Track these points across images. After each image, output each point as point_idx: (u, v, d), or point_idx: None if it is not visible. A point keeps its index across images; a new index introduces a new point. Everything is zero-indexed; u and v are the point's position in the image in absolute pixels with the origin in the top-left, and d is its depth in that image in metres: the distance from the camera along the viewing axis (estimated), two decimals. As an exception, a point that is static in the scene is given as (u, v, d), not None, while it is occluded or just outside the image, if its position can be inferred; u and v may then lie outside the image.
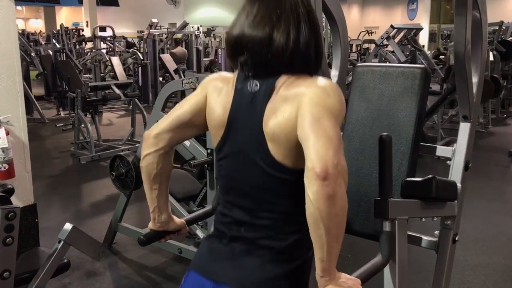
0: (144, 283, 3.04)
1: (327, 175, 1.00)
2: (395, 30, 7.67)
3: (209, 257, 1.26)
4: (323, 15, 1.84)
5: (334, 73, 1.94)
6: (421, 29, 8.67)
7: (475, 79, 1.68)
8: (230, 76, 1.29)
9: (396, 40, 8.14)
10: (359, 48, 15.78)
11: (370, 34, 16.47)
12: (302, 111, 1.11)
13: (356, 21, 24.34)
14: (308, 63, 1.20)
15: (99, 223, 3.91)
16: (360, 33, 16.80)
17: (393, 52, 7.71)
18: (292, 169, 1.15)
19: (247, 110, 1.20)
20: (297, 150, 1.11)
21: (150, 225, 1.43)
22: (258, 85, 1.20)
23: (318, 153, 1.02)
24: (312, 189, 1.01)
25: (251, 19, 1.19)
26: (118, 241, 3.51)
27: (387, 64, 1.91)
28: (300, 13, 1.19)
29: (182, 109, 1.31)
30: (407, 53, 8.18)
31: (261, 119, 1.17)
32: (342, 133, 1.96)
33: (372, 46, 10.49)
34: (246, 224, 1.22)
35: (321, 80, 1.17)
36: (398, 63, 6.78)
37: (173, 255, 3.25)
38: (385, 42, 7.49)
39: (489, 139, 7.33)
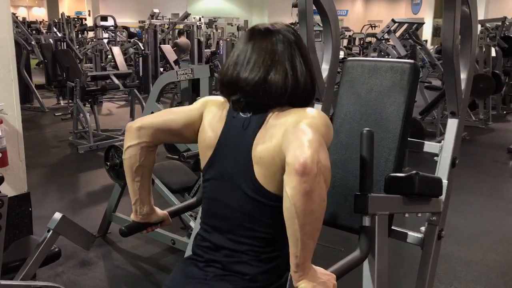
0: (137, 273, 3.05)
1: (305, 170, 1.00)
2: (396, 24, 7.63)
3: (182, 280, 1.28)
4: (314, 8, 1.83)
5: (325, 67, 1.94)
6: (422, 23, 8.62)
7: (463, 75, 1.67)
8: (225, 102, 1.32)
9: (398, 34, 8.11)
10: (361, 41, 15.73)
11: (373, 28, 16.40)
12: (286, 129, 1.14)
13: (360, 14, 24.23)
14: (308, 97, 1.25)
15: (94, 212, 3.93)
16: (363, 26, 16.74)
17: (394, 46, 7.68)
18: (275, 194, 1.17)
19: (238, 135, 1.23)
20: (281, 175, 1.10)
21: (132, 216, 1.44)
22: (251, 112, 1.24)
23: (298, 149, 1.03)
24: (290, 184, 1.01)
25: (246, 60, 1.22)
26: (113, 231, 3.52)
27: (377, 58, 1.90)
28: (292, 50, 1.22)
29: (176, 116, 1.34)
30: (409, 47, 8.14)
31: (251, 144, 1.20)
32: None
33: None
34: (223, 248, 1.24)
35: (309, 109, 1.20)
36: (398, 57, 6.76)
37: (166, 246, 3.26)
38: (386, 36, 7.45)
39: (489, 135, 7.32)
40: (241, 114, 1.25)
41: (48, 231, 1.96)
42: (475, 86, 7.37)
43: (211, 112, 1.32)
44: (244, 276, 1.19)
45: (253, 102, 1.22)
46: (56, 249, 2.15)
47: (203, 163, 1.31)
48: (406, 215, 1.52)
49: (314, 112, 1.19)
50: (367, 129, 1.25)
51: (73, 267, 3.03)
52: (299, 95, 1.22)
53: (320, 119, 1.16)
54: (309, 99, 1.26)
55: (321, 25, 1.87)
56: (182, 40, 10.83)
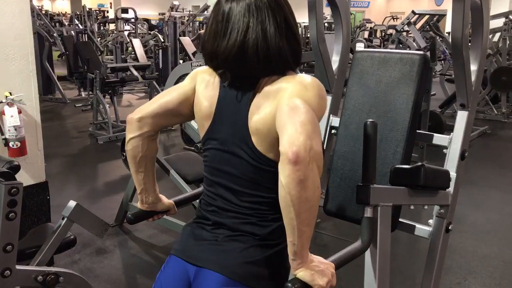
0: (152, 261, 3.10)
1: (298, 159, 1.00)
2: (417, 15, 7.52)
3: (192, 242, 1.27)
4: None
5: (335, 58, 1.93)
6: (444, 15, 8.45)
7: (474, 67, 1.64)
8: None
9: (418, 26, 7.99)
10: (383, 33, 15.53)
11: (395, 19, 16.17)
12: (280, 104, 1.13)
13: (382, 6, 23.93)
14: (285, 63, 1.21)
15: (111, 202, 4.00)
16: (385, 18, 16.52)
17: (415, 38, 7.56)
18: (276, 161, 1.16)
19: (233, 104, 1.23)
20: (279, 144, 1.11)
21: (139, 205, 1.46)
22: (241, 83, 1.22)
23: (291, 138, 1.03)
24: (284, 173, 1.02)
25: (222, 31, 1.19)
26: (129, 220, 3.58)
27: (387, 50, 1.88)
28: (264, 14, 1.18)
29: (170, 96, 1.33)
30: (429, 39, 8.01)
31: (246, 114, 1.20)
32: (332, 122, 1.95)
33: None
34: (229, 211, 1.24)
35: (302, 77, 1.18)
36: (417, 49, 6.66)
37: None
38: (406, 28, 7.35)
39: (511, 129, 7.18)
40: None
41: (63, 218, 2.00)
42: (498, 79, 7.24)
43: (203, 82, 1.30)
44: (254, 236, 1.20)
45: (237, 74, 1.21)
46: (72, 237, 2.19)
47: (201, 133, 1.30)
48: (412, 207, 1.51)
49: (306, 82, 1.16)
50: (370, 120, 1.25)
51: (90, 255, 3.10)
52: (274, 62, 1.18)
53: (313, 91, 1.14)
54: (289, 65, 1.21)
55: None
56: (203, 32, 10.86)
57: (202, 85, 1.30)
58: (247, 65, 1.18)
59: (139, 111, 1.34)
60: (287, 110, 1.09)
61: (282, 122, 1.08)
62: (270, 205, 1.20)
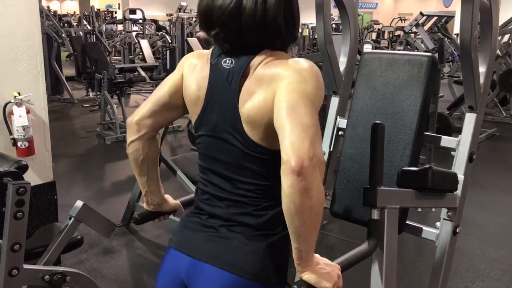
0: (158, 262, 3.10)
1: (302, 169, 0.97)
2: (425, 17, 7.48)
3: (188, 233, 1.25)
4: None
5: (343, 60, 1.93)
6: (452, 16, 8.40)
7: (482, 69, 1.63)
8: (205, 52, 1.26)
9: (426, 27, 7.95)
10: (391, 35, 15.48)
11: (403, 21, 16.10)
12: (278, 99, 1.07)
13: (390, 7, 23.86)
14: (279, 35, 1.15)
15: (118, 202, 4.01)
16: (393, 20, 16.47)
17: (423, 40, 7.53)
18: (269, 149, 1.13)
19: (223, 88, 1.17)
20: (273, 133, 1.07)
21: (144, 206, 1.46)
22: (233, 62, 1.16)
23: (293, 145, 0.99)
24: (287, 183, 0.98)
25: None
26: (135, 221, 3.59)
27: (394, 51, 1.88)
28: None
29: (161, 91, 1.30)
30: (437, 41, 7.97)
31: (237, 99, 1.14)
32: (343, 121, 1.93)
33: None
34: (224, 200, 1.20)
35: (298, 63, 1.12)
36: (426, 50, 6.64)
37: (187, 236, 3.31)
38: (414, 29, 7.32)
39: (519, 131, 7.14)
40: (223, 64, 1.18)
41: (70, 218, 2.01)
42: (506, 81, 7.19)
43: (190, 66, 1.26)
44: (249, 226, 1.16)
45: (231, 34, 1.14)
46: (79, 236, 2.20)
47: (193, 119, 1.26)
48: (419, 209, 1.51)
49: (305, 72, 1.09)
50: (378, 122, 1.24)
51: (97, 254, 3.11)
52: (269, 29, 1.12)
53: (312, 82, 1.08)
54: (282, 38, 1.15)
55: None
56: (201, 33, 10.86)
57: (190, 69, 1.25)
58: (241, 24, 1.11)
59: (136, 113, 1.31)
60: (286, 107, 1.04)
61: (281, 122, 1.03)
62: (264, 192, 1.16)
